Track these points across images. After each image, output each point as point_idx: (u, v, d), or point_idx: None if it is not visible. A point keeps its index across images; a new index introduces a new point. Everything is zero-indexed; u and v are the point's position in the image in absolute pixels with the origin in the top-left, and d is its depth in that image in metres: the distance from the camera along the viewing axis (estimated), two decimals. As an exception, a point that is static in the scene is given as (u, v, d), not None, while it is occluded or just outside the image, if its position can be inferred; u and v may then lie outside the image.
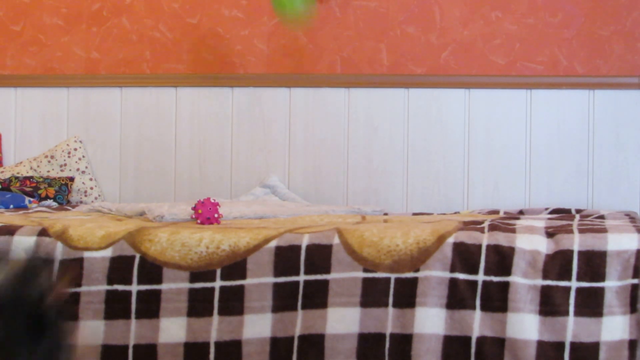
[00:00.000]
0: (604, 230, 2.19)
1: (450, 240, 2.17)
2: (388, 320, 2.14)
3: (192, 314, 2.19)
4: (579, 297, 2.09)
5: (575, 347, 2.07)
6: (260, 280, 2.18)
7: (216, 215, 2.64)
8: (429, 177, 3.28)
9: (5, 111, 3.48)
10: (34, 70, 3.48)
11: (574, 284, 2.11)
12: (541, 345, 2.08)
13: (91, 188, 3.40)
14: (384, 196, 3.28)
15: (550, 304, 2.10)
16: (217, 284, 2.19)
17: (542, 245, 2.15)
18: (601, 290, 2.09)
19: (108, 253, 2.25)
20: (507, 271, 2.13)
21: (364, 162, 3.31)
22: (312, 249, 2.19)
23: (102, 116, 3.45)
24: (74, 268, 2.26)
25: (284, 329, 2.16)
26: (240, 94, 3.40)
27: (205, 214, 2.62)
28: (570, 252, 2.13)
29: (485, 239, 2.16)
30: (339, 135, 3.32)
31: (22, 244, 2.29)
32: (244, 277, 2.18)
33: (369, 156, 3.31)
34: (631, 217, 2.63)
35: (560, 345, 2.08)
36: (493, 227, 2.25)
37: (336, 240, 2.20)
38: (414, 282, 2.14)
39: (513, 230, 2.22)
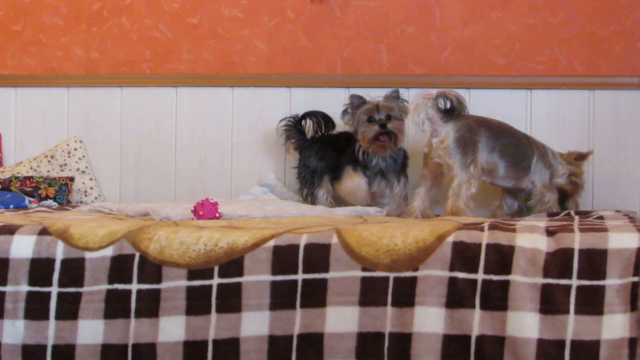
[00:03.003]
0: (604, 229, 2.19)
1: (450, 239, 2.17)
2: (387, 319, 2.14)
3: (190, 312, 2.19)
4: (580, 295, 2.09)
5: (576, 345, 2.07)
6: (257, 277, 2.18)
7: (217, 215, 2.64)
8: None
9: (5, 111, 3.49)
10: (34, 70, 3.48)
11: (574, 282, 2.10)
12: (541, 343, 2.07)
13: (91, 188, 3.40)
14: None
15: (550, 302, 2.09)
16: (215, 281, 2.19)
17: (543, 244, 2.15)
18: (602, 289, 2.09)
19: (109, 252, 2.25)
20: (507, 270, 2.12)
21: (364, 162, 3.30)
22: (311, 248, 2.19)
23: (102, 116, 3.45)
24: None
25: (283, 327, 2.16)
26: (240, 94, 3.40)
27: (207, 214, 2.62)
28: (571, 250, 2.12)
29: (485, 238, 2.16)
30: (339, 135, 3.32)
31: (23, 243, 2.29)
32: (241, 274, 2.18)
33: (369, 156, 3.30)
34: (630, 217, 2.62)
35: (560, 344, 2.07)
36: (493, 227, 2.25)
37: (335, 240, 2.20)
38: (413, 281, 2.14)
39: (513, 230, 2.21)
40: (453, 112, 2.84)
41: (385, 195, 3.05)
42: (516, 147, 2.93)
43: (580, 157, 3.06)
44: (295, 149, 3.22)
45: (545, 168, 2.98)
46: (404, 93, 3.18)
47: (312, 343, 2.14)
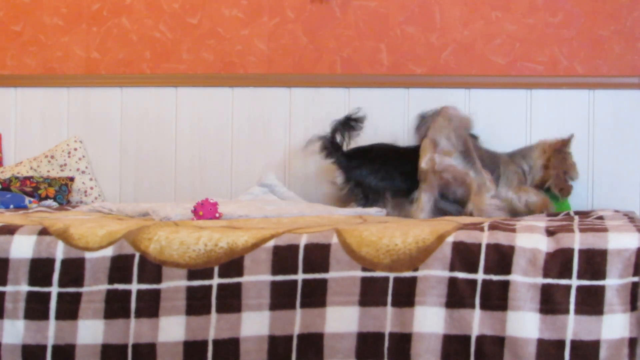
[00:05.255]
0: (604, 229, 2.19)
1: (450, 239, 2.17)
2: (387, 319, 2.14)
3: (190, 312, 2.19)
4: (580, 295, 2.09)
5: (576, 345, 2.07)
6: (257, 277, 2.18)
7: (217, 215, 2.64)
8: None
9: (5, 111, 3.49)
10: (34, 70, 3.48)
11: (574, 282, 2.11)
12: (541, 343, 2.08)
13: (91, 188, 3.40)
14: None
15: (550, 302, 2.09)
16: (215, 281, 2.19)
17: (543, 244, 2.15)
18: (602, 289, 2.09)
19: (109, 252, 2.26)
20: (507, 270, 2.12)
21: (364, 162, 3.30)
22: (311, 248, 2.19)
23: (102, 116, 3.45)
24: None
25: (283, 327, 2.16)
26: (240, 94, 3.40)
27: (207, 215, 2.62)
28: (571, 250, 2.13)
29: (485, 238, 2.16)
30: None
31: (23, 243, 2.29)
32: (240, 274, 2.18)
33: (369, 156, 3.30)
34: (630, 217, 2.63)
35: (560, 344, 2.08)
36: (493, 227, 2.25)
37: (334, 240, 2.20)
38: (413, 281, 2.14)
39: (513, 230, 2.21)
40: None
41: None
42: (482, 161, 2.98)
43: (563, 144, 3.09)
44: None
45: (512, 174, 3.04)
46: (404, 93, 3.19)
47: (312, 343, 2.14)
